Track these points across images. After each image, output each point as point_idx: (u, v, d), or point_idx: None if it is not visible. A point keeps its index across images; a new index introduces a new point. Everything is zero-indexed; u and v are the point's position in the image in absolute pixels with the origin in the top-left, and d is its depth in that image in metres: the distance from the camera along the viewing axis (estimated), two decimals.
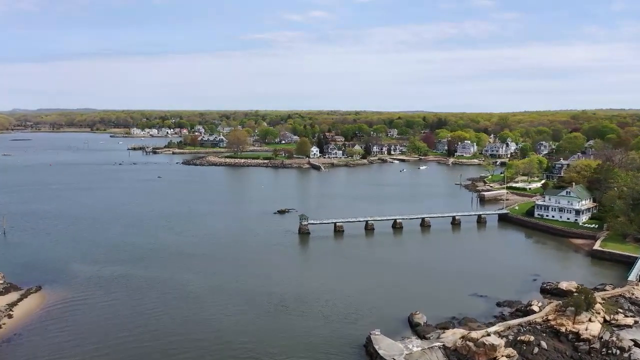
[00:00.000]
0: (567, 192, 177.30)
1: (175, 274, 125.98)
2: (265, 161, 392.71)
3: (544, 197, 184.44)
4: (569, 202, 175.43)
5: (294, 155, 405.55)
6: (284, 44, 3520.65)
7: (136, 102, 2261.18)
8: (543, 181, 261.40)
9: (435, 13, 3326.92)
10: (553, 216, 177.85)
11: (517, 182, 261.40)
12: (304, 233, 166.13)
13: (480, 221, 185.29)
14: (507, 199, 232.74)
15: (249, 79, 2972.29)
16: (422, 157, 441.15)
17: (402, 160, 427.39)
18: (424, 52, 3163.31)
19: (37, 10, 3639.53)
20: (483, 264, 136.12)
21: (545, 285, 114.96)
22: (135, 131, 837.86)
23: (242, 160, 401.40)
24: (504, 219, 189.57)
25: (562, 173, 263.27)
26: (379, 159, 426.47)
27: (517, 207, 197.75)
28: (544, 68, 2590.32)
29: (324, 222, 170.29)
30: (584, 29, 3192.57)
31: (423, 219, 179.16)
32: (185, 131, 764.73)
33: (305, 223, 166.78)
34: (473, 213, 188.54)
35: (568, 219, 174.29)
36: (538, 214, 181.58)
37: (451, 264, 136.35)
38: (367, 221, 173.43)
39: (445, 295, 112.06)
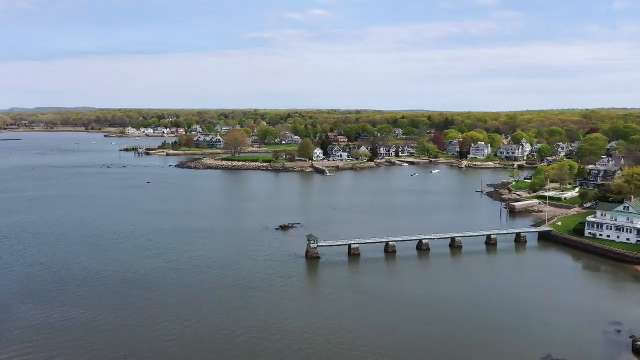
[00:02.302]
0: (624, 206, 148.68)
1: (147, 321, 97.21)
2: (265, 164, 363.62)
3: (596, 213, 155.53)
4: (628, 219, 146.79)
5: (296, 158, 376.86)
6: (284, 42, 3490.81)
7: (135, 101, 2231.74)
8: (577, 189, 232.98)
9: (436, 12, 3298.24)
10: (608, 236, 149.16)
11: (547, 189, 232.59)
12: (312, 257, 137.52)
13: (519, 240, 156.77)
14: (540, 211, 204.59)
15: (249, 77, 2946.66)
16: (433, 160, 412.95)
17: (412, 163, 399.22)
18: (424, 51, 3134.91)
19: (37, 8, 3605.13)
20: (541, 305, 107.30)
21: (638, 343, 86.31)
22: (130, 130, 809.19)
23: (240, 163, 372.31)
24: (545, 238, 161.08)
25: (598, 180, 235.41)
26: (386, 162, 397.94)
27: (559, 223, 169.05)
28: (544, 67, 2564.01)
29: (337, 243, 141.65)
30: (585, 28, 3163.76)
31: (453, 238, 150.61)
32: (181, 130, 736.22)
33: (314, 245, 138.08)
34: (510, 231, 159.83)
35: (627, 239, 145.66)
36: (589, 233, 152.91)
37: (500, 304, 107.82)
38: (387, 242, 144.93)
39: (509, 358, 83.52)
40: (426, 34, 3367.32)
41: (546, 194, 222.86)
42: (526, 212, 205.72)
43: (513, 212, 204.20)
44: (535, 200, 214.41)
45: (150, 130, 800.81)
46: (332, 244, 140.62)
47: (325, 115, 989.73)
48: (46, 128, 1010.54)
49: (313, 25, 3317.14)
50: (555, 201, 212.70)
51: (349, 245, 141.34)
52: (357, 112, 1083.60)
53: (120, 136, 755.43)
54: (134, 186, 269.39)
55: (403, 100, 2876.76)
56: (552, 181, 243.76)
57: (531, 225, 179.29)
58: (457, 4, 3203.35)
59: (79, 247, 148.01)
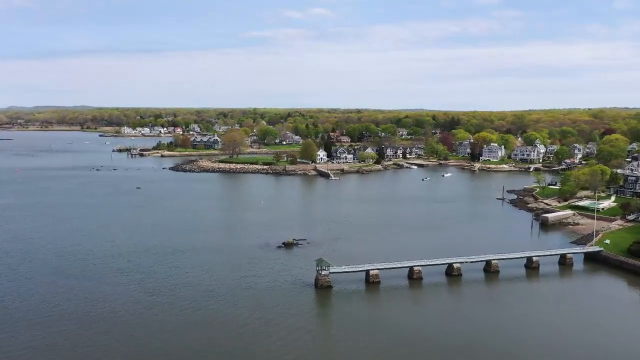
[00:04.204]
0: None
1: None
2: (265, 167, 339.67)
3: None
4: None
5: (298, 160, 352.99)
6: (284, 41, 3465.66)
7: (135, 101, 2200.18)
8: (613, 198, 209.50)
9: (437, 11, 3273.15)
10: None
11: (580, 198, 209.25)
12: (323, 287, 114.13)
13: (564, 263, 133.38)
14: (576, 223, 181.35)
15: (249, 77, 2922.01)
16: (443, 162, 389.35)
17: (420, 166, 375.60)
18: (425, 50, 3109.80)
19: (36, 7, 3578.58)
20: (606, 355, 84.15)
21: None
22: (126, 130, 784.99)
23: (239, 166, 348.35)
24: (593, 259, 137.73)
25: (637, 187, 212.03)
26: (394, 164, 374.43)
27: (607, 241, 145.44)
28: (545, 66, 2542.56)
29: (352, 269, 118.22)
30: (586, 28, 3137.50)
31: (488, 262, 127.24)
32: (179, 130, 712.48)
33: (326, 273, 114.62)
34: (555, 252, 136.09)
35: None
36: None
37: (552, 350, 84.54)
38: (411, 267, 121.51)
39: None
40: (427, 33, 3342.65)
41: (580, 203, 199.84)
42: (560, 225, 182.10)
43: (545, 225, 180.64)
44: (569, 211, 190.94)
45: (146, 130, 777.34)
46: (346, 270, 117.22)
47: (325, 114, 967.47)
48: (41, 127, 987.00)
49: (313, 24, 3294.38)
50: (590, 212, 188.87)
51: (367, 271, 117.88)
52: (358, 111, 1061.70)
53: (115, 136, 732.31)
54: (122, 192, 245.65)
55: (403, 100, 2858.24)
56: (582, 188, 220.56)
57: (571, 243, 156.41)
58: (457, 3, 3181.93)
59: (43, 272, 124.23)
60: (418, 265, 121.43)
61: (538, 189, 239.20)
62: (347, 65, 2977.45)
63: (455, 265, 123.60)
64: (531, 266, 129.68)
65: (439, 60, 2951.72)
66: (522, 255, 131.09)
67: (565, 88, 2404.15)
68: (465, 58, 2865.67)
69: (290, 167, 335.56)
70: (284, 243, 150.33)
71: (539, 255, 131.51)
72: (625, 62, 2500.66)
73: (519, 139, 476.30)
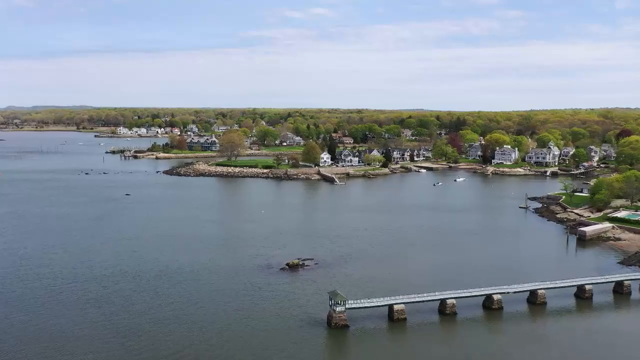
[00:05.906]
0: None
1: None
2: (265, 171, 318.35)
3: None
4: None
5: (300, 163, 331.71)
6: (285, 41, 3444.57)
7: (134, 100, 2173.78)
8: None
9: (437, 11, 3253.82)
10: None
11: (616, 208, 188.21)
12: (338, 326, 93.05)
13: (622, 292, 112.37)
14: (617, 238, 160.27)
15: (249, 76, 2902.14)
16: (453, 165, 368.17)
17: (429, 169, 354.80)
18: (425, 50, 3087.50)
19: (35, 6, 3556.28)
20: None
21: None
22: (122, 131, 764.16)
23: (237, 169, 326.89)
24: None
25: None
26: (401, 167, 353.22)
27: None
28: (546, 66, 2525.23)
29: (373, 304, 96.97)
30: (586, 28, 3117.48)
31: (534, 292, 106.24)
32: (176, 130, 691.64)
33: (341, 309, 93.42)
34: (610, 279, 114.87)
35: None
36: None
37: None
38: (443, 300, 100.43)
39: None
40: (427, 33, 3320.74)
41: (618, 214, 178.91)
42: (599, 239, 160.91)
43: (582, 240, 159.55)
44: (608, 224, 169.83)
45: (143, 131, 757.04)
46: (366, 305, 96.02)
47: (326, 114, 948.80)
48: (36, 128, 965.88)
49: (314, 23, 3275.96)
50: (632, 225, 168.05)
51: (391, 306, 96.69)
52: (359, 111, 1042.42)
53: (111, 136, 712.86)
54: (109, 199, 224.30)
55: (404, 100, 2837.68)
56: (617, 197, 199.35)
57: (618, 263, 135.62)
58: (458, 3, 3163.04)
59: None
60: (451, 298, 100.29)
61: (565, 197, 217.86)
62: (347, 65, 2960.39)
63: (495, 297, 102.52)
64: (583, 296, 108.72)
65: (440, 60, 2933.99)
66: (573, 284, 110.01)
67: (566, 88, 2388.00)
68: (465, 58, 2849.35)
69: (292, 171, 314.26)
70: (288, 264, 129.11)
71: (592, 283, 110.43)
72: (627, 62, 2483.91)
73: (529, 140, 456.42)
